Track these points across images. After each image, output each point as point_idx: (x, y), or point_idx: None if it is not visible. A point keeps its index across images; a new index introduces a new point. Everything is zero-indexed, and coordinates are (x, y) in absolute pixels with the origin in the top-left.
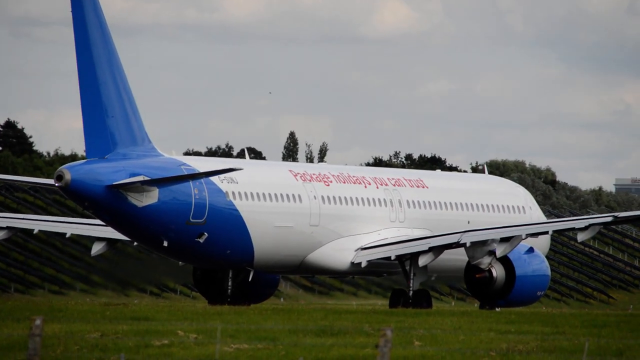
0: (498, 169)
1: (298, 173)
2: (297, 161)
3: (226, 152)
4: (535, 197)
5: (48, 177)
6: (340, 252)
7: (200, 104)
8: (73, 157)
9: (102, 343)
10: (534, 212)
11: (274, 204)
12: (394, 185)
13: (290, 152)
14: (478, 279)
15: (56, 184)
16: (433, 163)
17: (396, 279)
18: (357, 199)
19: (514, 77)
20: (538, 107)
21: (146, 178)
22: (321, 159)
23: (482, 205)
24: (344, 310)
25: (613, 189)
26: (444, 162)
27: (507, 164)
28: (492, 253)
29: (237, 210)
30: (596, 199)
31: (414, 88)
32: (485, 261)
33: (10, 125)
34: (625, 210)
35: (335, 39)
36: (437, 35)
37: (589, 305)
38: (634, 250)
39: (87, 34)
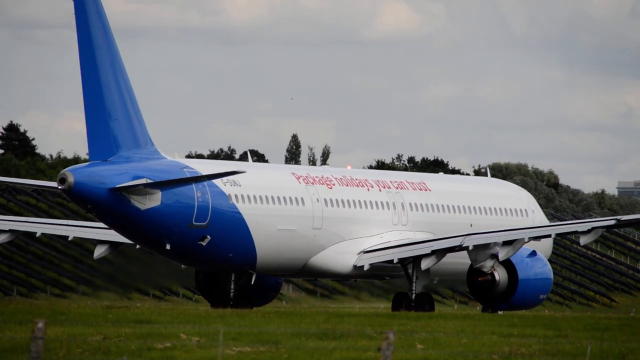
0: (501, 171)
1: (301, 176)
2: (300, 164)
3: (229, 155)
4: (538, 200)
5: (51, 179)
6: (342, 255)
7: (203, 107)
8: (76, 160)
9: (104, 346)
10: (536, 215)
11: (276, 207)
12: (397, 188)
13: (292, 155)
14: (481, 282)
15: (59, 187)
16: (436, 166)
17: (399, 282)
18: (360, 201)
19: (517, 80)
20: (541, 110)
21: (149, 181)
22: (324, 161)
23: (484, 208)
24: (346, 314)
25: (616, 192)
26: (447, 165)
27: (509, 166)
28: (494, 256)
29: (239, 213)
30: (599, 202)
31: (416, 91)
32: (487, 264)
33: (12, 127)
34: (628, 214)
35: (338, 42)
36: (440, 38)
37: (591, 308)
38: (637, 254)
39: (90, 36)
